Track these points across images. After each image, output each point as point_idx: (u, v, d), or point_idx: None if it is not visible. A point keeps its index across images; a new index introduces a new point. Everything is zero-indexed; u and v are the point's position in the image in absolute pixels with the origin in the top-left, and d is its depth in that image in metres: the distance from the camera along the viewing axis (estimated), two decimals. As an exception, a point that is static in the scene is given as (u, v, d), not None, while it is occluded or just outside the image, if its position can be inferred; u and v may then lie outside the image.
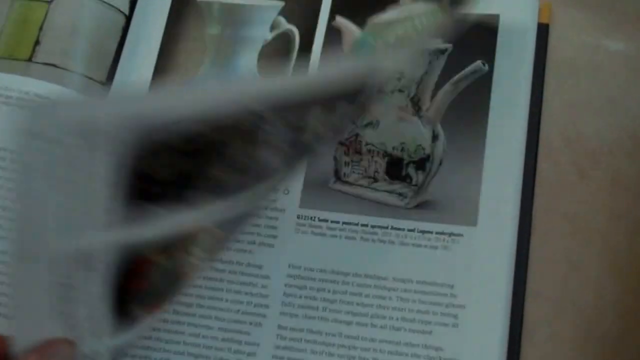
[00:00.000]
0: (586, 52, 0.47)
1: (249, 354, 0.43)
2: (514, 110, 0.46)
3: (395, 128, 0.47)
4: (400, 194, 0.45)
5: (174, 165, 0.35)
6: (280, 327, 0.43)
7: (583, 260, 0.43)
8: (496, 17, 0.48)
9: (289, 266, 0.44)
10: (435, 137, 0.46)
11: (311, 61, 0.48)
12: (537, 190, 0.45)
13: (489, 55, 0.47)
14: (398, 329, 0.42)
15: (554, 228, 0.44)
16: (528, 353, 0.42)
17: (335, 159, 0.46)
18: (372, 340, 0.42)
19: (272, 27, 0.50)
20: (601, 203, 0.44)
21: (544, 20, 0.48)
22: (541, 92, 0.46)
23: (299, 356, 0.42)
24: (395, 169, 0.46)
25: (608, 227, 0.43)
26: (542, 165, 0.45)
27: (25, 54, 0.49)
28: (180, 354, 0.43)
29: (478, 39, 0.47)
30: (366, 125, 0.47)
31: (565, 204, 0.44)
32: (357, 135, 0.47)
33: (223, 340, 0.43)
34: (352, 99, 0.37)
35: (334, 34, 0.49)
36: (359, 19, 0.48)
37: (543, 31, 0.48)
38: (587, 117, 0.46)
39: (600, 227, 0.43)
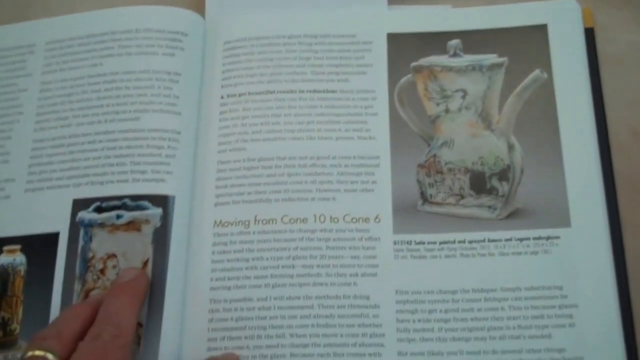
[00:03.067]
0: (634, 49, 0.50)
1: (375, 385, 0.42)
2: (581, 111, 0.47)
3: (470, 144, 0.48)
4: (489, 207, 0.46)
5: None
6: (400, 353, 0.43)
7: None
8: (545, 27, 0.49)
9: (396, 292, 0.44)
10: (511, 147, 0.47)
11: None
12: (617, 184, 0.46)
13: (546, 63, 0.49)
14: (517, 338, 0.43)
15: (640, 218, 0.45)
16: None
17: (418, 181, 0.47)
18: (494, 352, 0.42)
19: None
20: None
21: (589, 24, 0.50)
22: (601, 93, 0.48)
23: (425, 379, 0.42)
24: (479, 183, 0.47)
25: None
26: (616, 160, 0.47)
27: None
28: (306, 395, 0.42)
29: (532, 49, 0.49)
30: (441, 145, 0.48)
31: (648, 193, 0.46)
32: (434, 155, 0.48)
33: (345, 376, 0.43)
34: None
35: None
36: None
37: (590, 35, 0.50)
38: (649, 109, 0.48)
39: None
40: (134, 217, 0.45)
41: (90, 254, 0.45)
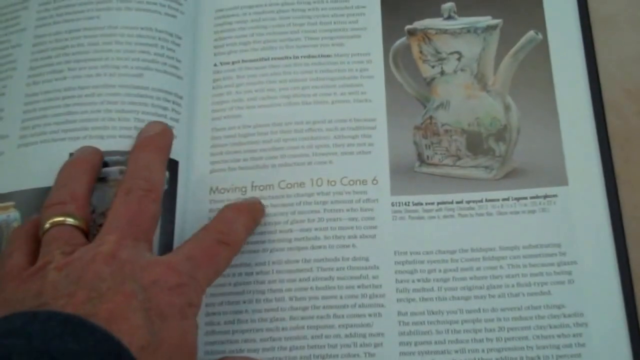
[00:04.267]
0: (627, 8, 0.49)
1: (375, 345, 0.42)
2: (575, 71, 0.47)
3: (466, 105, 0.48)
4: (486, 167, 0.46)
5: None
6: (400, 313, 0.43)
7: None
8: (538, -13, 0.49)
9: (395, 253, 0.44)
10: (507, 108, 0.47)
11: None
12: (612, 142, 0.46)
13: (541, 24, 0.49)
14: (516, 295, 0.43)
15: (635, 176, 0.45)
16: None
17: (415, 143, 0.47)
18: (494, 310, 0.42)
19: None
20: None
21: (581, -17, 0.50)
22: (593, 52, 0.48)
23: (425, 339, 0.42)
24: (476, 143, 0.47)
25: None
26: (611, 118, 0.47)
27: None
28: (307, 357, 0.42)
29: (526, 10, 0.49)
30: (437, 107, 0.48)
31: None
32: (431, 117, 0.48)
33: (346, 336, 0.42)
34: None
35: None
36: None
37: (582, -7, 0.50)
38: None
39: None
40: None
41: (90, 209, 0.44)
